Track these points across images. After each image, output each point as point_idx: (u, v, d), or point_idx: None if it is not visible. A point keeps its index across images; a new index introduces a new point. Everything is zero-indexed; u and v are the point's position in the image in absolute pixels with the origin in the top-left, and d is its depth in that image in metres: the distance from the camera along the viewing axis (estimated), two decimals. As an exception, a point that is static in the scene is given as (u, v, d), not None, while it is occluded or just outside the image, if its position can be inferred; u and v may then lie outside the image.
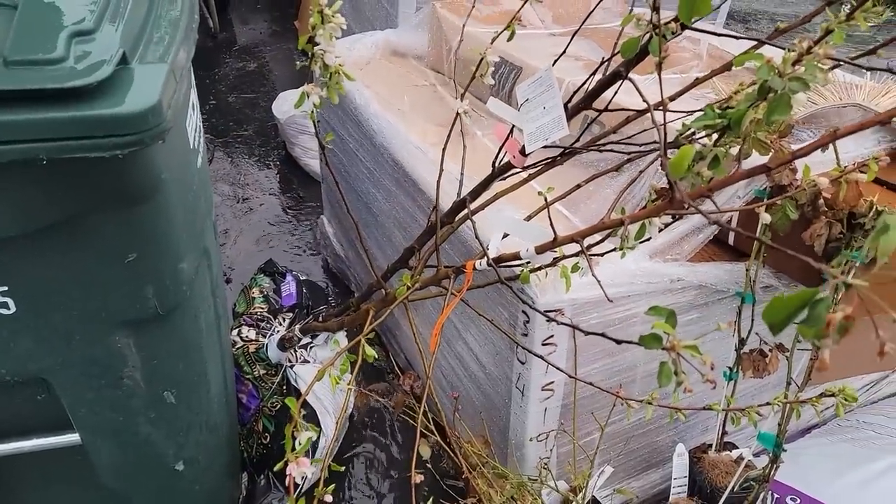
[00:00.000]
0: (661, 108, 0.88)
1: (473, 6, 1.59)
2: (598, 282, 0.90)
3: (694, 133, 0.89)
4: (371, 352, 1.02)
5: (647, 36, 0.88)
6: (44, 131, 0.70)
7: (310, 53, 0.89)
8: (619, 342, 0.79)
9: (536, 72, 1.11)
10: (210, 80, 3.69)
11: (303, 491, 1.40)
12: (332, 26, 0.87)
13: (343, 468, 1.01)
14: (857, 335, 1.36)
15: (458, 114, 1.14)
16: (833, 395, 0.93)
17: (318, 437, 1.62)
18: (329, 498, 0.89)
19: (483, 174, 1.17)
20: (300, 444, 0.72)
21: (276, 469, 0.72)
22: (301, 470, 0.69)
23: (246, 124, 3.29)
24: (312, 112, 1.01)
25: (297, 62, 0.93)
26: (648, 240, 0.93)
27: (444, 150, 1.18)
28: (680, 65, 1.86)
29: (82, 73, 0.71)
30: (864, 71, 1.65)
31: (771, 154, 0.89)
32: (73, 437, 1.09)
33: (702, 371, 0.64)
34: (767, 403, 1.00)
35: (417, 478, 0.99)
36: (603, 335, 0.82)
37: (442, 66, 2.00)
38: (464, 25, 1.38)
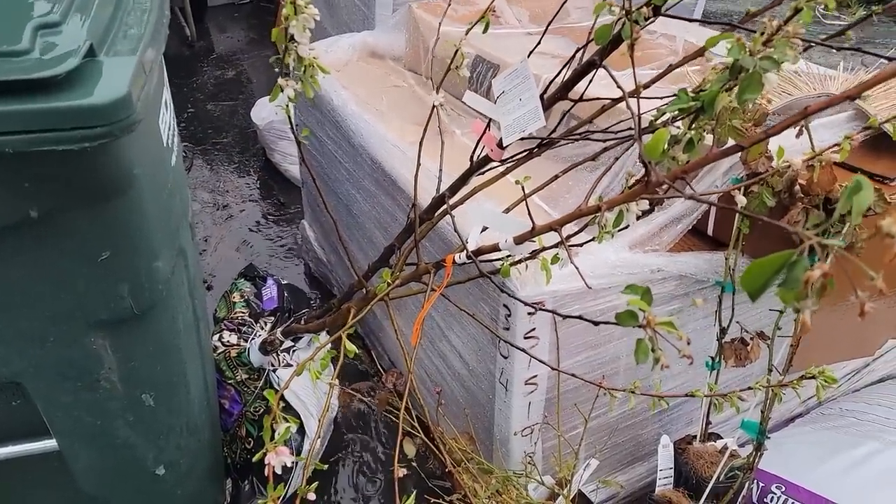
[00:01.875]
0: (638, 95, 0.88)
1: (449, 5, 1.60)
2: (577, 269, 0.90)
3: (670, 119, 0.89)
4: (352, 347, 1.01)
5: (621, 23, 0.89)
6: (10, 123, 0.69)
7: (283, 46, 0.88)
8: (596, 323, 0.79)
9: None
10: (188, 89, 3.66)
11: (288, 494, 1.38)
12: (306, 17, 0.87)
13: (325, 466, 1.00)
14: (838, 322, 1.38)
15: (434, 107, 1.14)
16: (813, 376, 0.93)
17: (303, 439, 1.61)
18: (312, 496, 0.88)
19: (462, 171, 1.17)
20: (279, 434, 0.70)
21: (255, 459, 0.71)
22: (280, 459, 0.68)
23: (225, 131, 3.27)
24: (287, 106, 1.00)
25: (272, 58, 0.92)
26: (626, 227, 0.93)
27: (420, 144, 1.17)
28: (657, 60, 1.87)
29: (48, 64, 0.70)
30: (839, 62, 1.67)
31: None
32: (49, 443, 1.07)
33: (678, 346, 0.64)
34: (749, 388, 1.00)
35: (401, 472, 0.98)
36: (580, 318, 0.82)
37: (419, 67, 2.00)
38: (440, 25, 1.38)
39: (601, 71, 1.42)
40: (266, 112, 2.83)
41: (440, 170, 1.26)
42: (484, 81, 1.80)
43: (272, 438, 0.69)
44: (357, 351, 0.98)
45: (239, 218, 2.71)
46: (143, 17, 0.86)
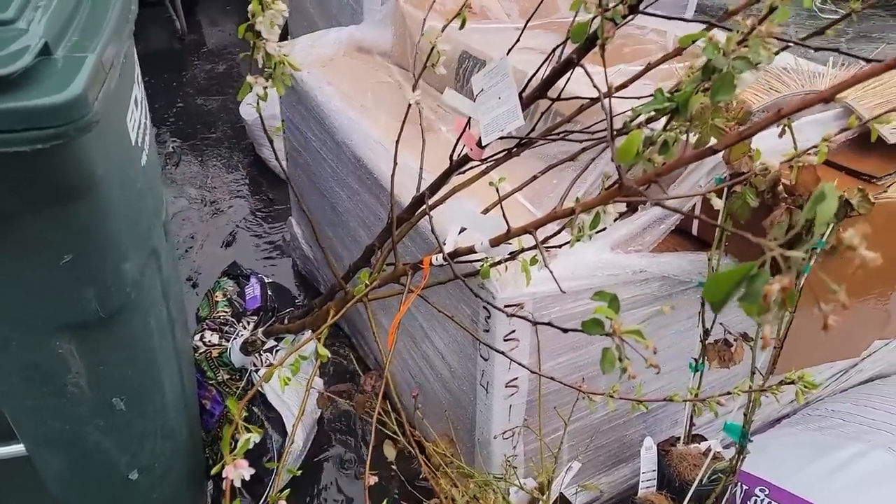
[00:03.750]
0: (610, 95, 0.86)
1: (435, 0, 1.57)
2: (551, 272, 0.88)
3: (648, 119, 0.87)
4: (324, 351, 0.99)
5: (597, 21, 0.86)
6: (-42, 125, 0.67)
7: (251, 43, 0.86)
8: (565, 331, 0.77)
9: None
10: (178, 83, 3.63)
11: (268, 497, 1.36)
12: (273, 13, 0.85)
13: (299, 472, 0.98)
14: (821, 324, 1.32)
15: (409, 105, 1.12)
16: (793, 381, 0.91)
17: (284, 441, 1.59)
18: (283, 503, 0.86)
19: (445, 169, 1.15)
20: (240, 446, 0.69)
21: (213, 472, 0.69)
22: (239, 472, 0.66)
23: (214, 127, 3.24)
24: (258, 104, 0.98)
25: (241, 55, 0.90)
26: (604, 230, 0.91)
27: (397, 142, 1.15)
28: (646, 56, 1.85)
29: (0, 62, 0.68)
30: (829, 58, 1.65)
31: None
32: (18, 448, 1.05)
33: (644, 356, 0.62)
34: (728, 393, 0.98)
35: (372, 480, 0.96)
36: (549, 324, 0.80)
37: (406, 62, 1.98)
38: (424, 20, 1.35)
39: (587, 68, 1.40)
40: (253, 108, 2.80)
41: (420, 168, 1.24)
42: (471, 77, 1.78)
43: (232, 451, 0.67)
44: (329, 354, 0.96)
45: (227, 214, 2.69)
46: (106, 13, 0.84)
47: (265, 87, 0.93)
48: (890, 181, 1.37)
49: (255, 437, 0.73)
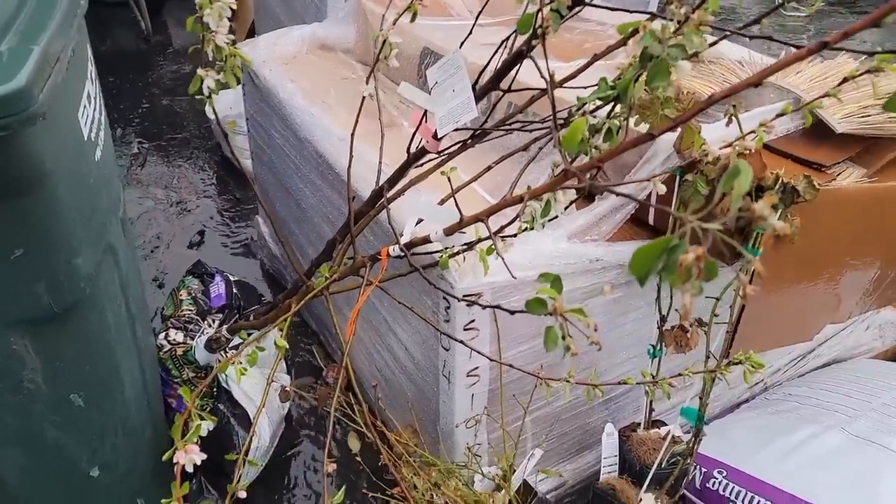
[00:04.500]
0: (553, 86, 0.88)
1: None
2: (503, 260, 0.90)
3: (593, 109, 0.89)
4: (283, 343, 1.00)
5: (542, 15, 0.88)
6: None
7: (200, 35, 0.86)
8: (512, 312, 0.79)
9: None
10: (143, 84, 3.60)
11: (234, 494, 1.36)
12: (221, 5, 0.85)
13: (260, 465, 0.98)
14: (776, 308, 1.39)
15: (363, 98, 1.13)
16: (740, 362, 0.94)
17: (252, 438, 1.59)
18: (243, 494, 0.87)
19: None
20: (191, 432, 0.69)
21: (164, 458, 0.69)
22: (190, 457, 0.67)
23: (181, 127, 3.22)
24: (210, 97, 0.98)
25: (190, 48, 0.90)
26: (555, 218, 0.93)
27: (352, 134, 1.16)
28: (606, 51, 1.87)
29: (-61, 55, 0.68)
30: (782, 52, 1.69)
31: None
32: (-27, 447, 1.05)
33: (587, 335, 0.64)
34: (679, 374, 1.01)
35: (331, 467, 0.97)
36: (498, 307, 0.82)
37: (369, 59, 1.99)
38: (383, 16, 1.36)
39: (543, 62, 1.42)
40: (221, 106, 2.79)
41: (380, 162, 1.25)
42: (431, 73, 1.79)
43: (182, 436, 0.67)
44: (287, 346, 0.97)
45: (194, 213, 2.67)
46: (53, 8, 0.84)
47: (216, 80, 0.93)
48: (839, 170, 1.41)
49: (207, 425, 0.74)
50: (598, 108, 0.91)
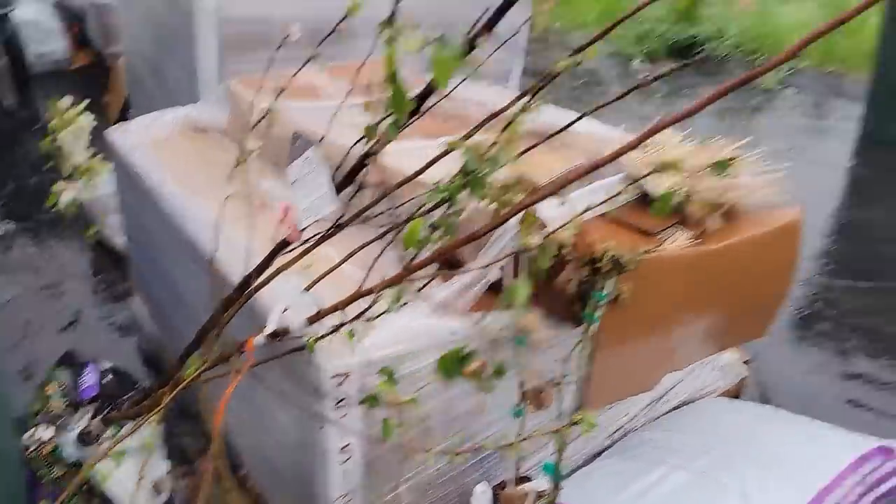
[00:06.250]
0: (395, 186, 0.99)
1: (265, 82, 1.66)
2: (359, 345, 0.98)
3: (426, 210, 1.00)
4: (150, 441, 1.02)
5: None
6: None
7: (54, 155, 0.91)
8: (360, 403, 0.86)
9: (329, 144, 1.21)
10: (10, 162, 3.47)
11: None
12: (76, 129, 0.90)
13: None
14: (622, 363, 1.55)
15: (233, 183, 1.19)
16: (577, 423, 1.05)
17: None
18: None
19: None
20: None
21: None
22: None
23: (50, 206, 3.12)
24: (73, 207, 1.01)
25: (48, 164, 0.94)
26: (406, 304, 1.03)
27: (217, 225, 1.21)
28: (467, 127, 2.02)
29: None
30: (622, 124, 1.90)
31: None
32: None
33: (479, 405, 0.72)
34: (529, 436, 1.11)
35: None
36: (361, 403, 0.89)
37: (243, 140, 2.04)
38: (252, 101, 1.44)
39: (409, 141, 1.55)
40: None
41: (247, 249, 1.31)
42: (301, 155, 1.87)
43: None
44: (154, 444, 1.00)
45: (66, 296, 2.59)
46: None
47: (76, 191, 0.97)
48: (666, 235, 1.60)
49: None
50: (435, 206, 1.03)
